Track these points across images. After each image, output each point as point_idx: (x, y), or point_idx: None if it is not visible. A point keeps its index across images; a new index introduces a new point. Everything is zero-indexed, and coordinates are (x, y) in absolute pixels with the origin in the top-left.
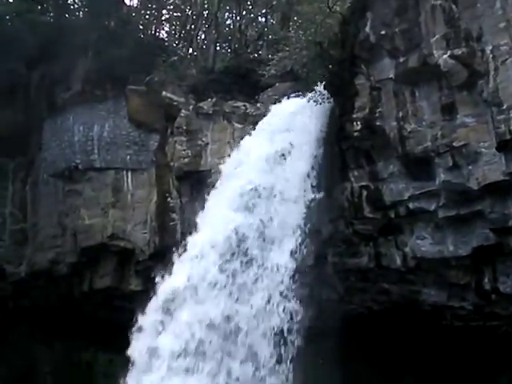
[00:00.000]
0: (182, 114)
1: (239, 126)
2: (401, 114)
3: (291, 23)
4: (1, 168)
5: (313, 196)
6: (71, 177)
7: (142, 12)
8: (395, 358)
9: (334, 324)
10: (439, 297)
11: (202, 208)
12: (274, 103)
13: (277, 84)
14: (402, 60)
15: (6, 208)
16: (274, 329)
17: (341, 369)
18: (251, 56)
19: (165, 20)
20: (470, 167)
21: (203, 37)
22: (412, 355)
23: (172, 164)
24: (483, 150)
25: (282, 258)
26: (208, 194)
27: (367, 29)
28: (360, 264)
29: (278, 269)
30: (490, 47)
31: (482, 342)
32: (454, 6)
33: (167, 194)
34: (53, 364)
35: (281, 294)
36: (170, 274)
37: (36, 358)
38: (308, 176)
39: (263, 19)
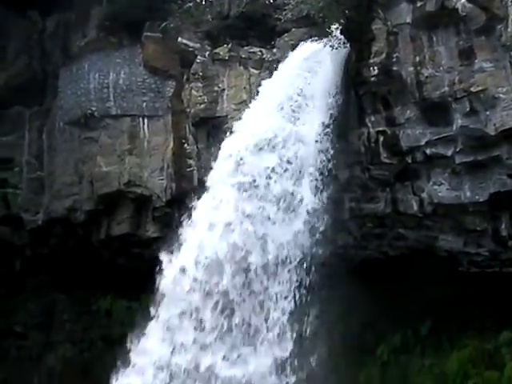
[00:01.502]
0: (198, 60)
1: (255, 71)
2: (418, 59)
3: None
4: (17, 117)
5: (329, 142)
6: (87, 124)
7: None
8: (412, 302)
9: (350, 269)
10: (456, 243)
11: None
12: (291, 49)
13: (293, 29)
14: (419, 4)
15: (22, 157)
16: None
17: (357, 313)
18: (267, 1)
19: None
20: (488, 113)
21: None
22: (429, 300)
23: (188, 110)
24: (501, 95)
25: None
26: (223, 139)
27: None
28: (376, 209)
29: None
30: None
31: (498, 288)
32: None
33: (183, 141)
34: (71, 311)
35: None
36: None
37: (55, 306)
38: (324, 122)
39: None
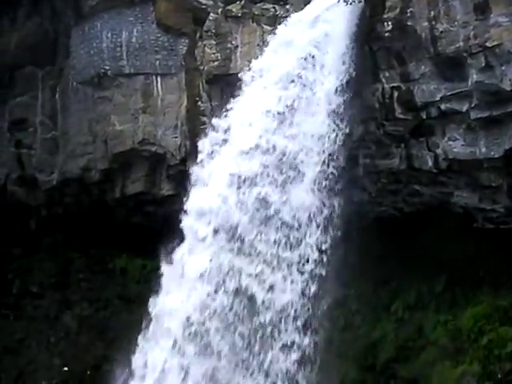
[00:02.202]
0: (211, 18)
1: (268, 28)
2: (432, 14)
3: None
4: (30, 77)
5: (343, 97)
6: (100, 83)
7: None
8: (427, 259)
9: (365, 225)
10: (471, 199)
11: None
12: (303, 4)
13: None
14: None
15: (36, 117)
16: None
17: (372, 270)
18: None
19: None
20: (503, 68)
21: None
22: (444, 257)
23: (201, 68)
24: None
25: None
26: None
27: None
28: (391, 165)
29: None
30: None
31: None
32: None
33: (197, 98)
34: (87, 271)
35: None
36: None
37: (70, 265)
38: (338, 77)
39: None
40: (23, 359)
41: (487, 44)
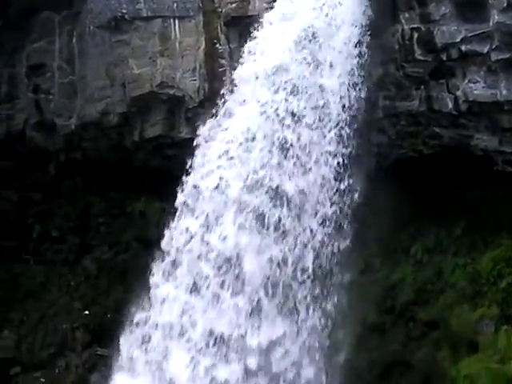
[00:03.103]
0: None
1: None
2: None
3: None
4: (47, 22)
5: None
6: (118, 27)
7: None
8: (447, 202)
9: (385, 168)
10: (491, 142)
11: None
12: None
13: None
14: None
15: (53, 62)
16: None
17: (391, 213)
18: None
19: None
20: None
21: None
22: (464, 200)
23: (219, 10)
24: None
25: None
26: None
27: None
28: (411, 107)
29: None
30: None
31: None
32: None
33: (215, 41)
34: (106, 214)
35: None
36: None
37: (90, 209)
38: (357, 19)
39: None
40: (44, 303)
41: None
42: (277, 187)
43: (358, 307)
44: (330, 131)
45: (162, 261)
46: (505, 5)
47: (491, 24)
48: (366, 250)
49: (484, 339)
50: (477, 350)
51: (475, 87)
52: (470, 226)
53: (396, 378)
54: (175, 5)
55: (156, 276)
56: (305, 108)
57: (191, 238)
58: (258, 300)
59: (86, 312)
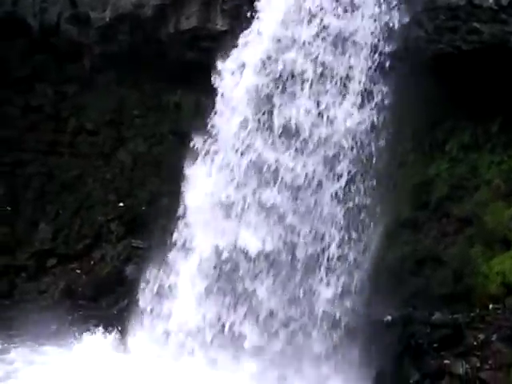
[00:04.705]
0: None
1: None
2: None
3: None
4: None
5: None
6: None
7: None
8: (483, 99)
9: (422, 64)
10: None
11: None
12: None
13: None
14: None
15: None
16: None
17: (427, 109)
18: None
19: None
20: None
21: None
22: (501, 98)
23: None
24: None
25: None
26: None
27: None
28: (450, 1)
29: None
30: None
31: None
32: None
33: None
34: (141, 107)
35: None
36: None
37: (124, 102)
38: None
39: None
40: (80, 196)
41: None
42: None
43: (391, 202)
44: None
45: None
46: None
47: None
48: (400, 144)
49: None
50: (509, 247)
51: None
52: (506, 123)
53: (428, 274)
54: None
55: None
56: None
57: None
58: None
59: (121, 204)
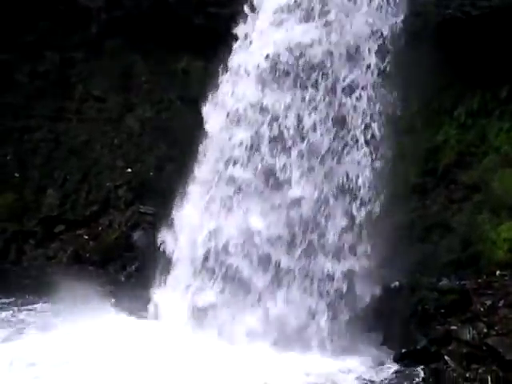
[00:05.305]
0: None
1: None
2: None
3: None
4: None
5: None
6: None
7: None
8: (492, 65)
9: (430, 29)
10: None
11: None
12: None
13: None
14: None
15: None
16: None
17: (435, 76)
18: None
19: None
20: None
21: None
22: (509, 64)
23: None
24: None
25: None
26: None
27: None
28: None
29: None
30: None
31: None
32: None
33: None
34: (149, 72)
35: None
36: None
37: (132, 68)
38: None
39: None
40: (87, 161)
41: None
42: None
43: (399, 167)
44: None
45: None
46: None
47: None
48: (408, 110)
49: None
50: None
51: None
52: None
53: (435, 240)
54: None
55: None
56: None
57: None
58: None
59: (129, 170)
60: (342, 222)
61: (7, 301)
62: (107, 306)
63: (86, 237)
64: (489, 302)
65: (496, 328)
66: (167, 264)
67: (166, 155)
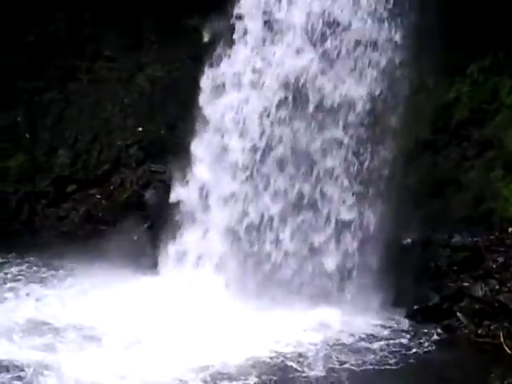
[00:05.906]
0: None
1: None
2: None
3: None
4: None
5: None
6: None
7: None
8: (505, 24)
9: None
10: None
11: None
12: None
13: None
14: None
15: None
16: None
17: (449, 31)
18: None
19: None
20: None
21: None
22: (502, 31)
23: None
24: None
25: None
26: None
27: None
28: None
29: None
30: None
31: None
32: None
33: None
34: (159, 32)
35: None
36: None
37: (142, 27)
38: None
39: None
40: (98, 121)
41: None
42: None
43: (410, 124)
44: None
45: None
46: None
47: None
48: (419, 67)
49: None
50: None
51: None
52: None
53: (448, 197)
54: None
55: None
56: None
57: None
58: None
59: (140, 129)
60: None
61: (19, 260)
62: (120, 265)
63: (98, 196)
64: (501, 259)
65: (508, 285)
66: (179, 221)
67: (176, 114)
